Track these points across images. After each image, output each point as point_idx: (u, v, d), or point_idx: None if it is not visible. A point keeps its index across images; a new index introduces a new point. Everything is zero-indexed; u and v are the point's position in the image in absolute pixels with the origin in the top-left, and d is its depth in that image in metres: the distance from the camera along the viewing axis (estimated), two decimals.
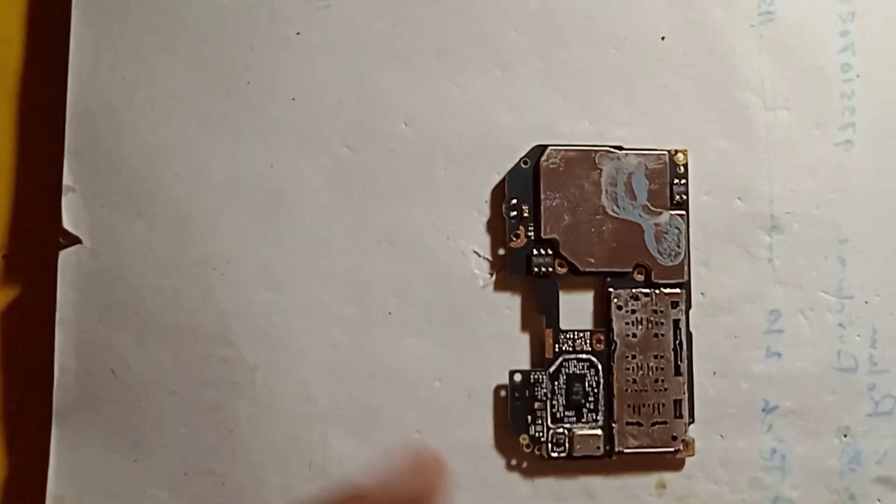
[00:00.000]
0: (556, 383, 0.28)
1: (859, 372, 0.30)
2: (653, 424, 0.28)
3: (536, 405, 0.28)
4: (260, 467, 0.28)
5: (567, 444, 0.28)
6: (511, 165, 0.29)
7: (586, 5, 0.30)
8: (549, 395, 0.28)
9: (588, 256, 0.29)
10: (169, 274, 0.28)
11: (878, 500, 0.29)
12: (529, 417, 0.28)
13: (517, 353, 0.29)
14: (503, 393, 0.29)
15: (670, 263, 0.29)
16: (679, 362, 0.29)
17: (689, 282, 0.29)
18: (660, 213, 0.29)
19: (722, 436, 0.29)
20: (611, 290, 0.29)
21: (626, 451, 0.28)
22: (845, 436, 0.29)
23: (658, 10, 0.30)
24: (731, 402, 0.29)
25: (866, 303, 0.30)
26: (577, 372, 0.29)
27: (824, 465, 0.29)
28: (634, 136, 0.30)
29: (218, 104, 0.29)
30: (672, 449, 0.29)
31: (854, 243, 0.30)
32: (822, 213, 0.30)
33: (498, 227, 0.29)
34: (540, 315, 0.29)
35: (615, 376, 0.28)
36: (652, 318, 0.29)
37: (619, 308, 0.29)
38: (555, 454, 0.28)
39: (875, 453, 0.30)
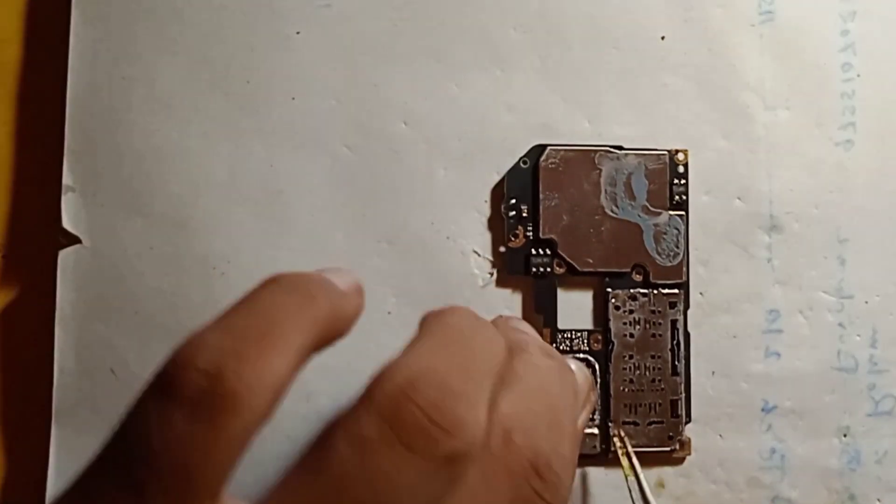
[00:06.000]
0: None
1: (859, 372, 0.30)
2: (649, 424, 0.28)
3: None
4: (260, 467, 0.28)
5: None
6: (511, 165, 0.29)
7: (586, 5, 0.30)
8: None
9: (586, 256, 0.29)
10: (169, 274, 0.28)
11: (878, 500, 0.29)
12: None
13: None
14: None
15: (669, 264, 0.29)
16: (676, 362, 0.29)
17: (687, 282, 0.29)
18: (659, 214, 0.29)
19: (721, 435, 0.29)
20: (609, 290, 0.29)
21: None
22: (845, 436, 0.29)
23: (658, 10, 0.30)
24: (731, 401, 0.29)
25: (866, 303, 0.30)
26: None
27: (824, 465, 0.29)
28: (634, 136, 0.30)
29: (218, 104, 0.29)
30: (668, 448, 0.29)
31: (854, 243, 0.30)
32: (822, 213, 0.30)
33: (498, 227, 0.29)
34: (538, 315, 0.29)
35: (612, 376, 0.28)
36: (650, 319, 0.29)
37: (617, 308, 0.29)
38: None
39: (875, 453, 0.30)
